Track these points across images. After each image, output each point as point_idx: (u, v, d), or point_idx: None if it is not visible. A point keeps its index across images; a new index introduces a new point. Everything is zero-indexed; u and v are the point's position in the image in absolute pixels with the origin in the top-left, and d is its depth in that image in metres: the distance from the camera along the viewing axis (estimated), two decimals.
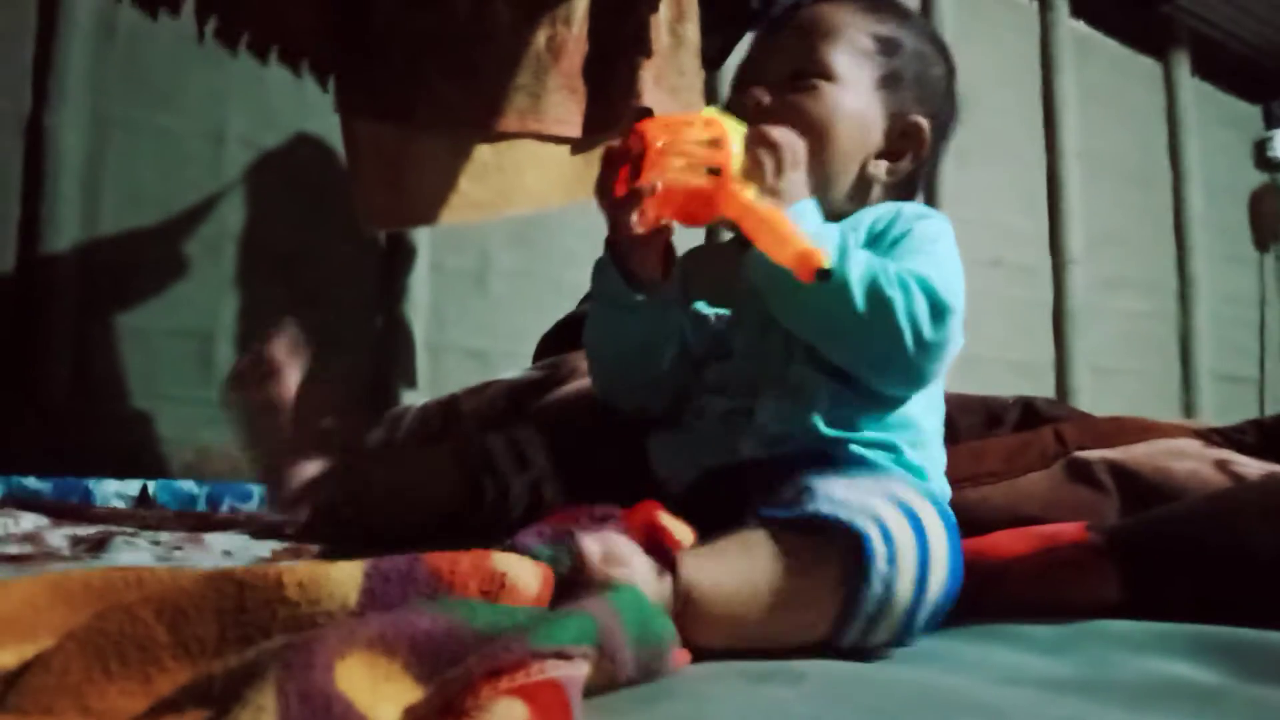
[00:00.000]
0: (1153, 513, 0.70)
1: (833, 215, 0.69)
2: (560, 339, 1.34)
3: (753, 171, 0.62)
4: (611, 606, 0.42)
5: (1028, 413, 1.01)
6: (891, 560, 0.52)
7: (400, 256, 2.30)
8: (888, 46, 0.73)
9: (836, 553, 0.52)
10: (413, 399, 2.19)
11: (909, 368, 0.62)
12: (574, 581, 0.47)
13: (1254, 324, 3.81)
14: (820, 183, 0.68)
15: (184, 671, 0.36)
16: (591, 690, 0.40)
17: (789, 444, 0.64)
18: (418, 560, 0.42)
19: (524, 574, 0.45)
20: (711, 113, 0.64)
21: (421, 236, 2.31)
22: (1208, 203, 3.68)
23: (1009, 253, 3.23)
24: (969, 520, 0.77)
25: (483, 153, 1.71)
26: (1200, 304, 3.62)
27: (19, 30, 1.97)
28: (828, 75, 0.70)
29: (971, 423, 1.00)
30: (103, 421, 1.97)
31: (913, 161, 0.74)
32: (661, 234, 0.65)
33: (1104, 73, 3.49)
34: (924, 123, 0.73)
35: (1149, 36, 3.61)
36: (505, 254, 2.38)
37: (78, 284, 1.98)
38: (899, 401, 0.66)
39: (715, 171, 0.62)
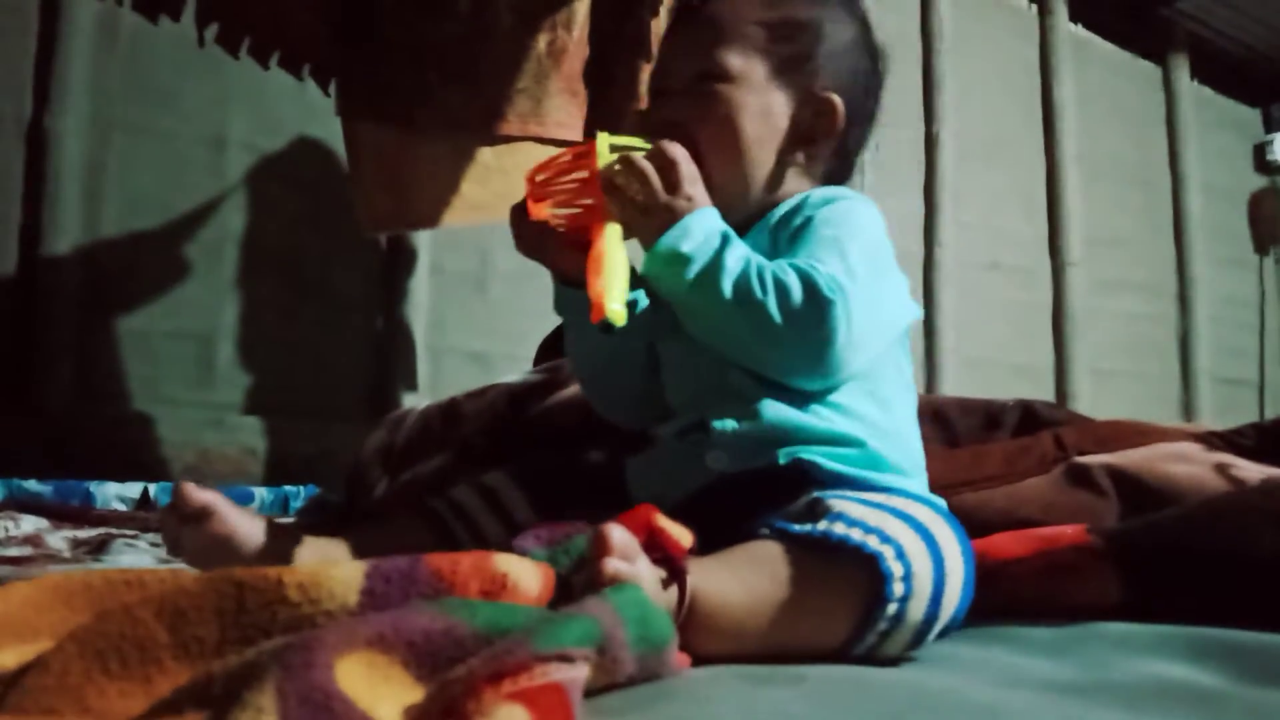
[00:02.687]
0: (1153, 516, 0.70)
1: (755, 209, 0.71)
2: (561, 342, 1.34)
3: (621, 199, 0.64)
4: (613, 607, 0.42)
5: (1027, 416, 1.01)
6: (907, 578, 0.52)
7: (401, 259, 2.30)
8: (781, 31, 0.71)
9: (850, 573, 0.51)
10: (413, 401, 2.19)
11: (805, 360, 0.62)
12: (574, 582, 0.47)
13: (1253, 326, 3.82)
14: (737, 181, 0.70)
15: (184, 672, 0.36)
16: (590, 689, 0.40)
17: (755, 455, 0.63)
18: (418, 561, 0.42)
19: (526, 574, 0.45)
20: (604, 139, 0.66)
21: (422, 239, 2.31)
22: (1207, 206, 3.69)
23: (1009, 256, 3.24)
24: (968, 524, 0.77)
25: (484, 156, 1.71)
26: (1199, 307, 3.62)
27: (21, 34, 1.97)
28: (724, 76, 0.70)
29: (970, 425, 1.00)
30: (103, 424, 1.97)
31: (831, 139, 0.73)
32: (554, 252, 0.70)
33: (1103, 76, 3.50)
34: (835, 98, 0.71)
35: (1148, 40, 3.62)
36: (505, 257, 2.39)
37: (79, 287, 1.99)
38: (834, 389, 0.64)
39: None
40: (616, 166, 0.64)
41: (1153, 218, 3.61)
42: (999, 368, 3.12)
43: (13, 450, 1.76)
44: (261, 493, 1.77)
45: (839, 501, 0.55)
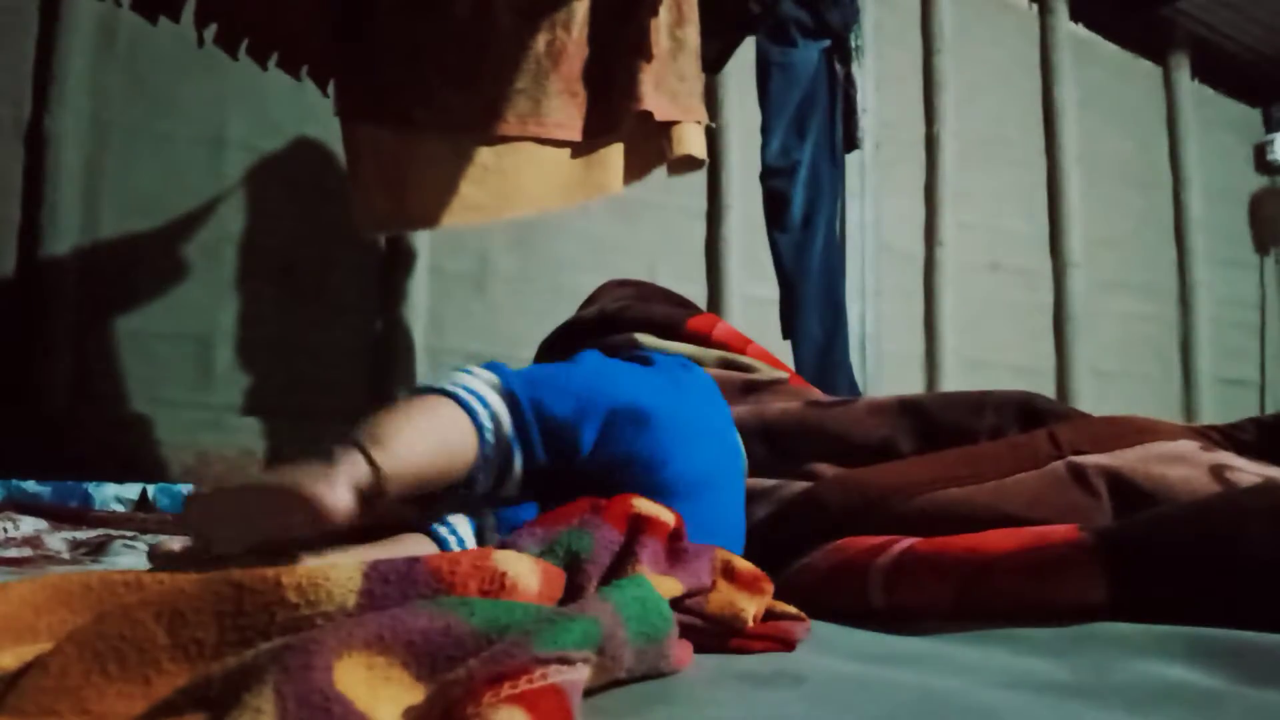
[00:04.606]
0: (1143, 515, 0.69)
1: None
2: (560, 344, 1.34)
3: None
4: (613, 607, 0.42)
5: (1027, 412, 1.00)
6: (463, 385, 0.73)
7: (400, 260, 2.30)
8: None
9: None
10: None
11: None
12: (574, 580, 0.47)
13: (1254, 327, 3.82)
14: None
15: (183, 674, 0.36)
16: (590, 688, 0.40)
17: None
18: (417, 561, 0.42)
19: (524, 572, 0.45)
20: None
21: (421, 240, 2.31)
22: (1208, 206, 3.68)
23: (1009, 256, 3.24)
24: (952, 519, 0.76)
25: (482, 156, 1.71)
26: (1200, 307, 3.62)
27: (20, 36, 1.97)
28: None
29: (953, 418, 0.99)
30: (102, 425, 1.97)
31: None
32: None
33: (1104, 76, 3.50)
34: None
35: (1149, 40, 3.62)
36: (504, 257, 2.39)
37: (78, 288, 1.99)
38: None
39: None
40: None
41: (1153, 218, 3.61)
42: (1000, 368, 3.12)
43: (11, 451, 1.76)
44: None
45: None
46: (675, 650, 0.47)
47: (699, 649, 0.52)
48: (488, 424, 0.70)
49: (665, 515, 0.58)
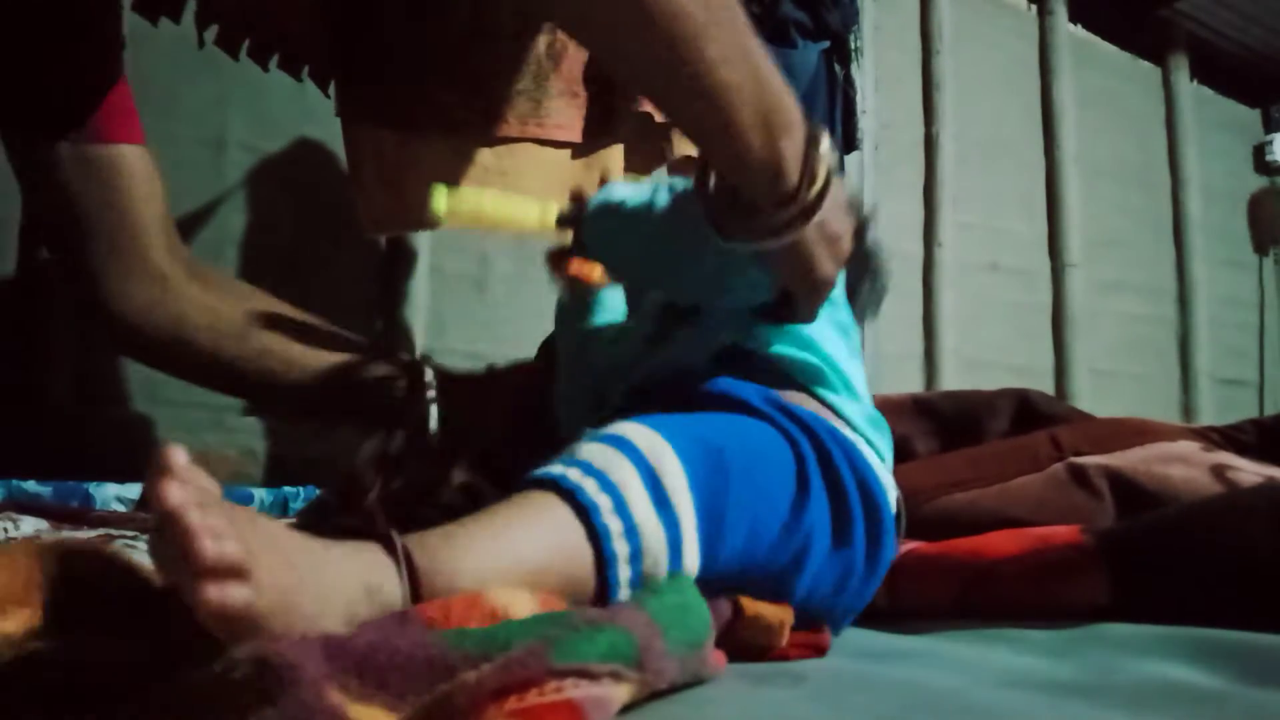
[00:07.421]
0: (1145, 516, 0.70)
1: None
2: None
3: None
4: (649, 615, 0.39)
5: (1023, 407, 1.01)
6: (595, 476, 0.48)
7: (400, 261, 2.30)
8: None
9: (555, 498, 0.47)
10: None
11: None
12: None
13: (1253, 328, 3.82)
14: None
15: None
16: (628, 705, 0.38)
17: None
18: (408, 615, 0.38)
19: (523, 605, 0.41)
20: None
21: (421, 241, 2.31)
22: (1207, 207, 3.68)
23: (1009, 257, 3.24)
24: (957, 523, 0.77)
25: (483, 158, 1.71)
26: (1199, 308, 3.62)
27: None
28: None
29: (959, 415, 0.99)
30: (103, 424, 1.97)
31: None
32: None
33: (1103, 77, 3.50)
34: None
35: (1148, 41, 3.62)
36: (505, 258, 2.39)
37: None
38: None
39: None
40: None
41: (1153, 218, 3.61)
42: (999, 369, 3.12)
43: (11, 450, 1.76)
44: (261, 494, 1.77)
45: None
46: (713, 656, 0.46)
47: (733, 658, 0.51)
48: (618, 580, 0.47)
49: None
